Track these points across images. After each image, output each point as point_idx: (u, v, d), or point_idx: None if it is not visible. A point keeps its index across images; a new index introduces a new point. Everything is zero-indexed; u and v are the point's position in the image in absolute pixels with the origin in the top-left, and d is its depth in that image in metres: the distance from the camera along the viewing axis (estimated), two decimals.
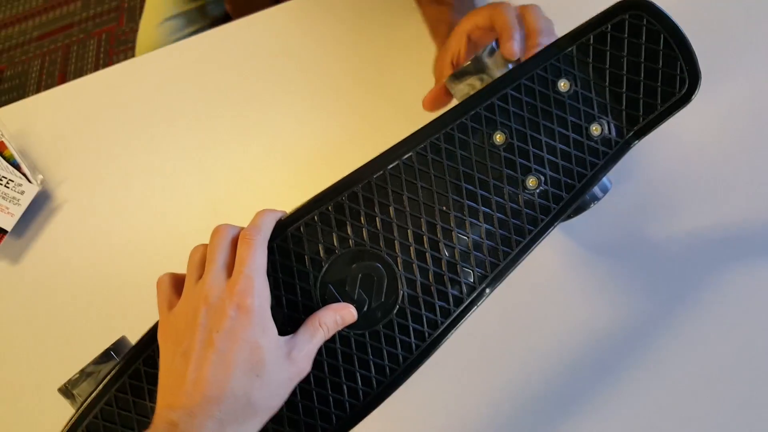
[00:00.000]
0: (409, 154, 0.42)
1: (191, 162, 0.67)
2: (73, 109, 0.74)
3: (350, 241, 0.41)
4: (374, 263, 0.41)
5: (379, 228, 0.41)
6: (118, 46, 0.94)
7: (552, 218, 0.42)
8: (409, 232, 0.41)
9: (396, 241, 0.41)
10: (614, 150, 0.43)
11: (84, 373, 0.43)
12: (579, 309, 0.53)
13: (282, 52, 0.71)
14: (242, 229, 0.41)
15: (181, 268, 0.62)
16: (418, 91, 0.64)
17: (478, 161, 0.42)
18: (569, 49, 0.43)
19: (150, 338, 0.41)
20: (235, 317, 0.36)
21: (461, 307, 0.42)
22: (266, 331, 0.37)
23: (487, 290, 0.42)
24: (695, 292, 0.53)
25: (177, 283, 0.41)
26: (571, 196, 0.43)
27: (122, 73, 0.75)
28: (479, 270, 0.42)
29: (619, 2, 0.42)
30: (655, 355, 0.52)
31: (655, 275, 0.54)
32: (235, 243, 0.40)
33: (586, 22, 0.43)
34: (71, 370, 0.58)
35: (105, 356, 0.43)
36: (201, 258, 0.40)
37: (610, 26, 0.42)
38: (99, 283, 0.63)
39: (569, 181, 0.43)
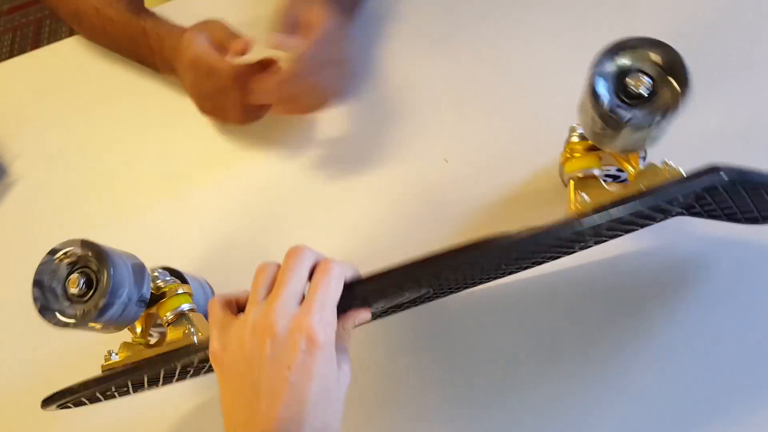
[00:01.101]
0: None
1: (152, 138, 0.65)
2: (29, 82, 0.71)
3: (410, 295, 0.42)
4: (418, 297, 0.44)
5: (441, 282, 0.42)
6: None
7: None
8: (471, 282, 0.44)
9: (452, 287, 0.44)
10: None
11: None
12: None
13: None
14: (323, 257, 0.39)
15: (137, 244, 0.60)
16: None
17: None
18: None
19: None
20: (306, 350, 0.35)
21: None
22: (332, 361, 0.36)
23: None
24: None
25: (229, 304, 0.39)
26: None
27: (81, 45, 0.72)
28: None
29: None
30: None
31: None
32: (311, 270, 0.38)
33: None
34: (24, 344, 0.57)
35: None
36: (269, 278, 0.38)
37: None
38: None
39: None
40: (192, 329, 0.43)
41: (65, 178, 0.65)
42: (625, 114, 0.39)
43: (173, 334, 0.43)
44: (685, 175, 0.41)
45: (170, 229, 0.60)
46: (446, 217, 0.56)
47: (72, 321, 0.39)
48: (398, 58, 0.64)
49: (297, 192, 0.60)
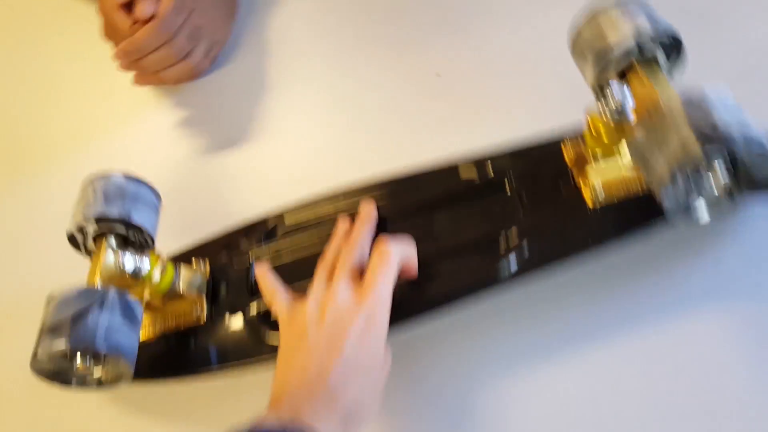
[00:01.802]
0: None
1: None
2: None
3: None
4: None
5: None
6: None
7: None
8: None
9: None
10: None
11: None
12: None
13: None
14: (380, 237, 0.42)
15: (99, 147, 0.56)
16: None
17: None
18: None
19: None
20: (363, 326, 0.38)
21: None
22: (383, 342, 0.39)
23: None
24: None
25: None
26: None
27: None
28: None
29: None
30: None
31: None
32: (367, 247, 0.42)
33: None
34: None
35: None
36: (333, 259, 0.43)
37: None
38: None
39: None
40: (198, 307, 0.45)
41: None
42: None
43: (178, 307, 0.46)
44: None
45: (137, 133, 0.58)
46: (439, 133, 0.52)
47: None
48: None
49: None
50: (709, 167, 0.34)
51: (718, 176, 0.34)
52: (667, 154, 0.33)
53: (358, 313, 0.38)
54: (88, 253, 0.44)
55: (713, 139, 0.32)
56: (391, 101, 0.54)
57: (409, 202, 0.47)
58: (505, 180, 0.45)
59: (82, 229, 0.42)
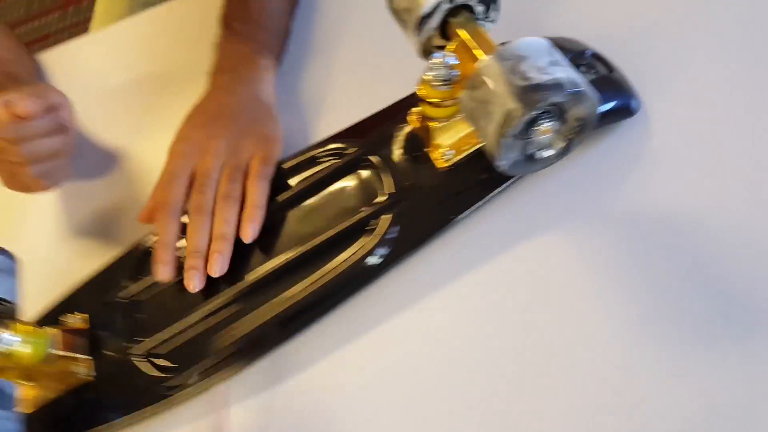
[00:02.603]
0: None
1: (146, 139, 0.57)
2: None
3: None
4: None
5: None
6: None
7: None
8: None
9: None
10: None
11: None
12: None
13: None
14: None
15: None
16: None
17: None
18: None
19: None
20: None
21: None
22: None
23: None
24: None
25: None
26: None
27: (77, 49, 0.65)
28: None
29: None
30: None
31: None
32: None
33: None
34: None
35: None
36: None
37: None
38: None
39: None
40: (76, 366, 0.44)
41: None
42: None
43: (61, 368, 0.43)
44: None
45: None
46: None
47: None
48: None
49: None
50: (533, 120, 0.34)
51: (544, 125, 0.35)
52: (491, 120, 0.34)
53: None
54: None
55: (529, 91, 0.32)
56: None
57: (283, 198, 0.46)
58: (365, 158, 0.45)
59: None
